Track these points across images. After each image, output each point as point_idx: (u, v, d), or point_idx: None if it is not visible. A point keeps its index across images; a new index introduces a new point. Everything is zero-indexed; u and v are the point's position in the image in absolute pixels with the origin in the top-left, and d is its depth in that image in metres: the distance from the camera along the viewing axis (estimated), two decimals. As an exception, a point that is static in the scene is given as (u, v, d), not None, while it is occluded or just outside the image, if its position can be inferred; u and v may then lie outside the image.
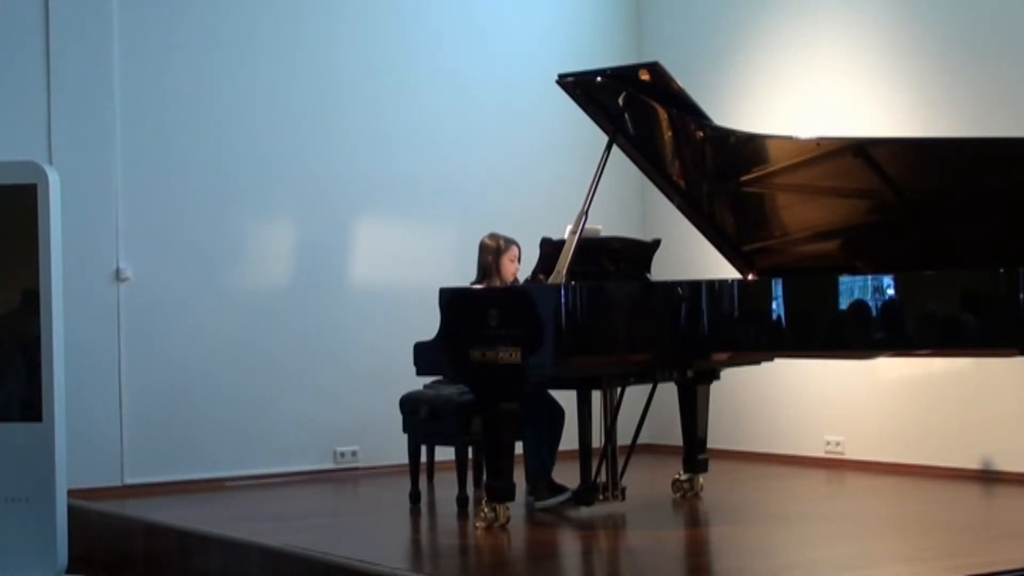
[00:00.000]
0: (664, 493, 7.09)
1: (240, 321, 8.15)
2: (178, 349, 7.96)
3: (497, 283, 6.95)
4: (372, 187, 8.59)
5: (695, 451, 7.07)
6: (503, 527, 6.11)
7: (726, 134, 6.24)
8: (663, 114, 6.33)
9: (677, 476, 7.11)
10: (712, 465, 7.20)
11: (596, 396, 6.65)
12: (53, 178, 5.78)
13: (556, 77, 6.40)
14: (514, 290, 6.71)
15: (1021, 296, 5.25)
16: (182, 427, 7.92)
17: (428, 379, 6.92)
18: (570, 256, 5.98)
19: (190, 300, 8.01)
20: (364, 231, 8.61)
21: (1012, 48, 7.47)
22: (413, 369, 6.36)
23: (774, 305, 5.89)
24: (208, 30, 8.16)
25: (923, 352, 5.99)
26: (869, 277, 5.69)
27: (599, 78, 6.29)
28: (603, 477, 6.59)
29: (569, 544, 6.24)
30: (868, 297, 5.62)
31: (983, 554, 5.32)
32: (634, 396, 6.76)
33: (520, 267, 7.01)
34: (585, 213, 6.07)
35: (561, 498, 6.68)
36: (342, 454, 8.38)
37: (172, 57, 8.04)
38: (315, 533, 6.19)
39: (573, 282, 5.94)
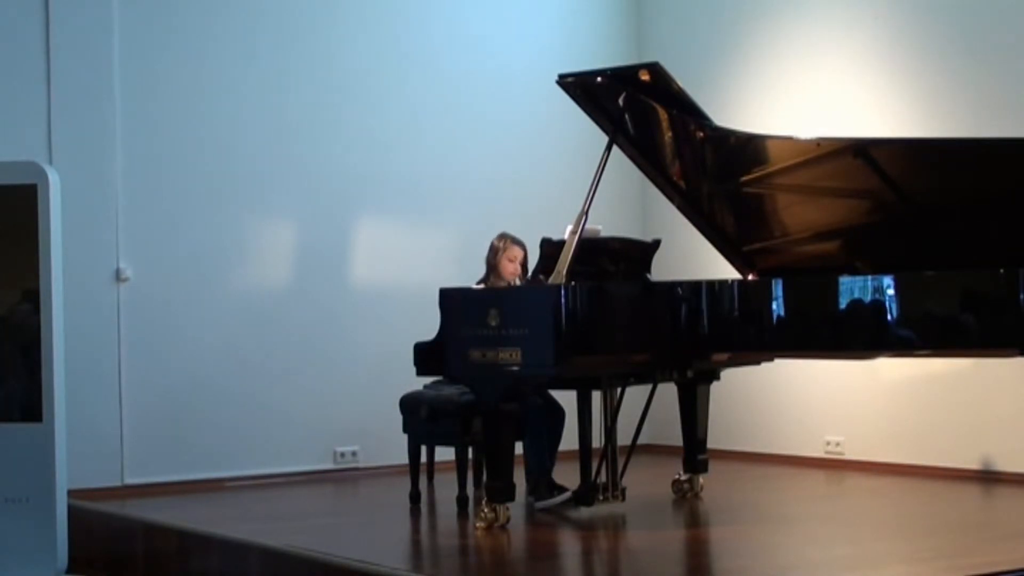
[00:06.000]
0: (664, 493, 7.09)
1: (240, 321, 8.15)
2: (178, 349, 7.96)
3: (496, 282, 6.97)
4: (372, 187, 8.59)
5: (695, 451, 7.07)
6: (503, 527, 6.11)
7: (726, 134, 6.24)
8: (663, 114, 6.33)
9: (677, 476, 7.11)
10: (712, 465, 7.20)
11: (596, 396, 6.65)
12: (53, 178, 5.79)
13: (556, 77, 6.40)
14: (514, 290, 6.72)
15: (1021, 296, 5.26)
16: (182, 427, 7.92)
17: (428, 379, 6.92)
18: (570, 256, 5.98)
19: (190, 300, 8.01)
20: (364, 231, 8.61)
21: (1013, 48, 7.47)
22: (413, 369, 6.37)
23: (774, 305, 5.90)
24: (208, 31, 8.15)
25: (923, 352, 5.99)
26: (869, 277, 5.69)
27: (599, 78, 6.29)
28: (603, 477, 6.59)
29: (569, 544, 6.24)
30: (868, 297, 5.63)
31: (983, 554, 5.32)
32: (634, 396, 6.76)
33: (521, 269, 7.02)
34: (585, 213, 6.08)
35: (561, 498, 6.68)
36: (342, 454, 8.38)
37: (172, 58, 8.04)
38: (315, 533, 6.19)
39: (573, 282, 5.94)
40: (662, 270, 6.98)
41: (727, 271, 6.71)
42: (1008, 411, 7.40)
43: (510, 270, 7.01)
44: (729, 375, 7.24)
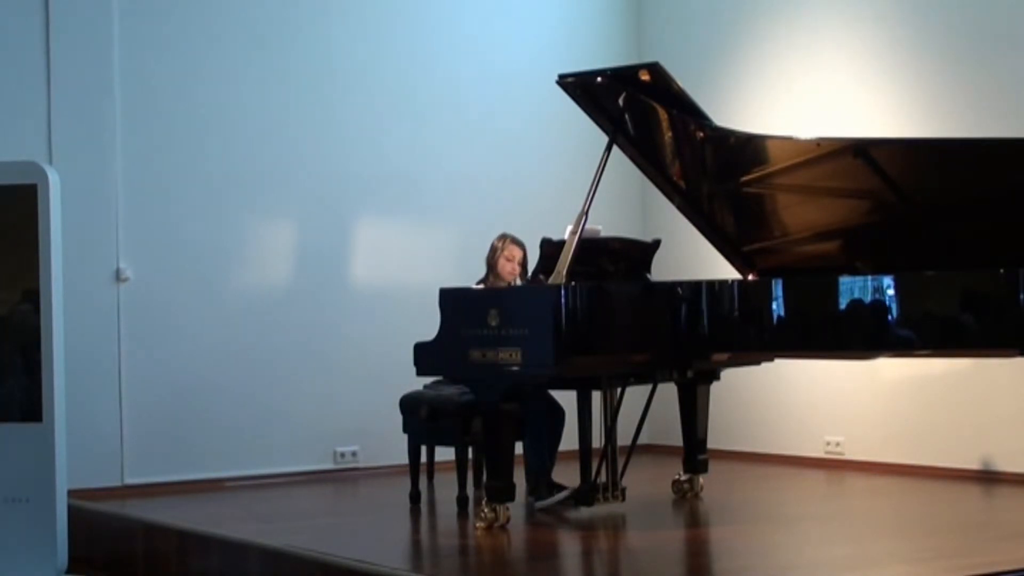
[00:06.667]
0: (664, 493, 7.09)
1: (240, 321, 8.15)
2: (178, 349, 7.95)
3: (496, 282, 6.98)
4: (372, 188, 8.59)
5: (695, 451, 7.07)
6: (503, 527, 6.11)
7: (726, 134, 6.24)
8: (663, 114, 6.33)
9: (677, 476, 7.11)
10: (712, 465, 7.19)
11: (596, 396, 6.65)
12: (53, 178, 5.80)
13: (556, 77, 6.40)
14: (514, 290, 6.72)
15: (1021, 296, 5.26)
16: (182, 427, 7.92)
17: (428, 379, 6.92)
18: (570, 256, 5.98)
19: (190, 300, 8.01)
20: (364, 231, 8.61)
21: (1013, 48, 7.46)
22: (413, 369, 6.36)
23: (774, 305, 5.90)
24: (208, 31, 8.15)
25: (923, 352, 5.99)
26: (869, 277, 5.69)
27: (599, 78, 6.29)
28: (603, 477, 6.58)
29: (569, 544, 6.24)
30: (868, 297, 5.62)
31: (983, 554, 5.32)
32: (634, 396, 6.76)
33: (521, 269, 7.02)
34: (585, 213, 6.07)
35: (561, 498, 6.68)
36: (342, 454, 8.38)
37: (172, 57, 8.04)
38: (315, 533, 6.19)
39: (573, 282, 5.94)
40: (662, 270, 6.98)
41: (727, 271, 6.70)
42: (1008, 411, 7.40)
43: (508, 270, 7.01)
44: (729, 375, 7.24)
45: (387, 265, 8.62)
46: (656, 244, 6.92)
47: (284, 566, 5.62)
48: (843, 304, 5.67)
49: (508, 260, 7.03)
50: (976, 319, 5.47)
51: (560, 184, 8.54)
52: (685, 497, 7.04)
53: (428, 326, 6.25)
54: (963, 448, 7.57)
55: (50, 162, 7.29)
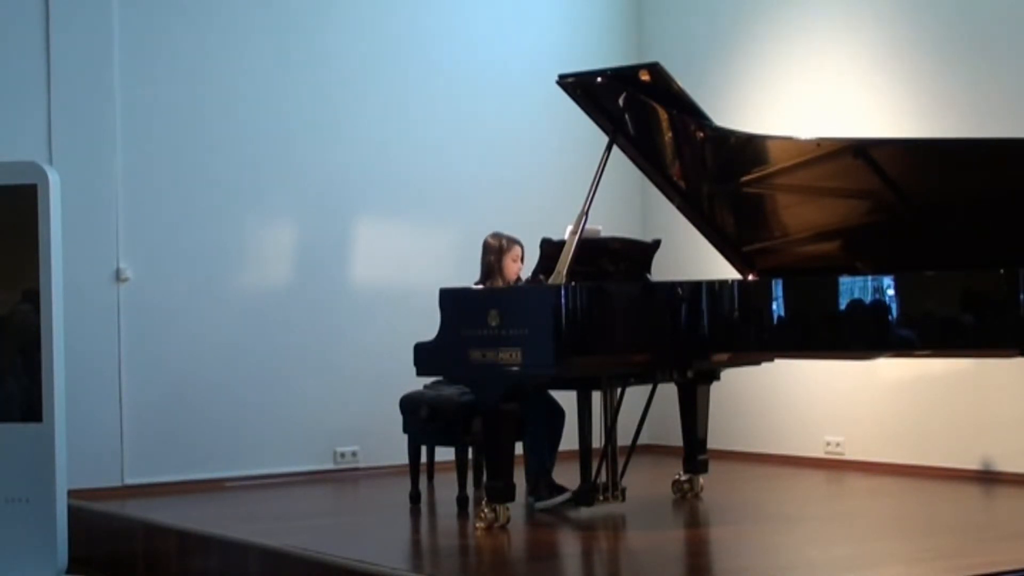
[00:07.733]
0: (664, 494, 7.09)
1: (240, 321, 8.15)
2: (178, 349, 7.95)
3: (500, 283, 6.96)
4: (372, 188, 8.59)
5: (695, 452, 7.07)
6: (503, 527, 6.11)
7: (726, 134, 6.24)
8: (663, 115, 6.33)
9: (677, 477, 7.11)
10: (712, 465, 7.19)
11: (596, 396, 6.65)
12: (53, 178, 5.81)
13: (556, 78, 6.41)
14: (514, 290, 6.71)
15: (1021, 296, 5.26)
16: (182, 427, 7.92)
17: (428, 379, 6.92)
18: (570, 256, 5.98)
19: (190, 301, 8.01)
20: (364, 232, 8.61)
21: (1013, 48, 7.47)
22: (413, 369, 6.37)
23: (774, 305, 5.90)
24: (208, 32, 8.15)
25: (923, 353, 5.99)
26: (869, 278, 5.69)
27: (599, 79, 6.29)
28: (603, 477, 6.58)
29: (569, 544, 6.24)
30: (868, 297, 5.63)
31: (983, 554, 5.32)
32: (634, 396, 6.76)
33: (523, 267, 7.01)
34: (585, 213, 6.08)
35: (561, 498, 6.68)
36: (342, 454, 8.38)
37: (172, 58, 8.04)
38: (315, 533, 6.19)
39: (573, 282, 5.94)
40: (662, 270, 6.98)
41: (727, 271, 6.70)
42: (1008, 411, 7.40)
43: (515, 270, 6.96)
44: (729, 375, 7.24)
45: (387, 265, 8.62)
46: (656, 244, 6.92)
47: (284, 566, 5.62)
48: (843, 304, 5.68)
49: (514, 261, 6.99)
50: (976, 319, 5.47)
51: (560, 184, 8.53)
52: (685, 497, 7.03)
53: (428, 326, 6.26)
54: (963, 448, 7.57)
55: (50, 162, 7.29)
